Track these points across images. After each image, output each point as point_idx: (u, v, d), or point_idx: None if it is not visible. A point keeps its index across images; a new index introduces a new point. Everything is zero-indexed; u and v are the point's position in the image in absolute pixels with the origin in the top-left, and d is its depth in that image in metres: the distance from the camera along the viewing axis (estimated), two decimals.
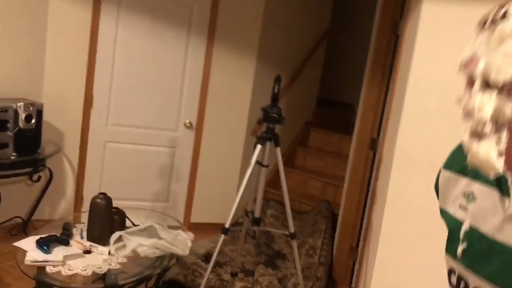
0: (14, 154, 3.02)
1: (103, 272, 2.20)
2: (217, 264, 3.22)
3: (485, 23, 0.68)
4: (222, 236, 2.23)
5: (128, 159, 3.91)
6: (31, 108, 3.08)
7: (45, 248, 2.22)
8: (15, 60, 3.35)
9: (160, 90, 3.87)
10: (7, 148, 2.95)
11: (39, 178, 3.39)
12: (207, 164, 4.11)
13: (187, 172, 4.08)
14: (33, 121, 3.10)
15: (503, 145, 0.64)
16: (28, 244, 2.27)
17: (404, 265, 1.99)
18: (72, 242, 2.38)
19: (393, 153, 2.04)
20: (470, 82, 0.69)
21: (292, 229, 2.32)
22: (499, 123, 0.64)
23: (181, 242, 2.54)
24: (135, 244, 2.40)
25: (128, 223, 2.64)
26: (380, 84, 3.22)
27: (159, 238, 2.49)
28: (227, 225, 2.25)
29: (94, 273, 2.18)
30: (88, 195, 3.41)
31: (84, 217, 2.59)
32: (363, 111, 3.33)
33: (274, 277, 3.12)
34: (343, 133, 5.15)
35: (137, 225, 2.60)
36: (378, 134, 3.19)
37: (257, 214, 2.40)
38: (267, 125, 2.31)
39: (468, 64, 0.70)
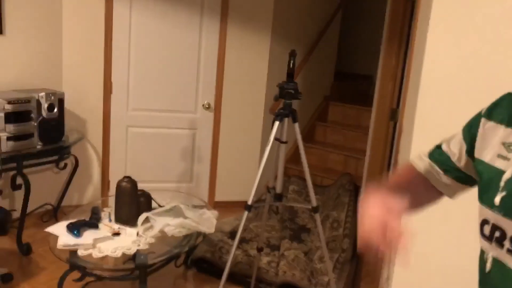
0: (39, 143, 3.10)
1: (132, 253, 2.27)
2: (243, 240, 3.28)
3: None
4: (246, 212, 2.26)
5: (151, 142, 3.98)
6: (52, 97, 3.14)
7: (75, 232, 2.29)
8: (33, 51, 3.41)
9: (177, 73, 3.89)
10: (32, 138, 3.03)
11: (65, 166, 3.48)
12: (228, 144, 4.14)
13: (208, 153, 4.13)
14: (55, 110, 3.17)
15: None
16: (59, 229, 2.36)
17: (428, 233, 1.99)
18: (101, 225, 2.46)
19: (413, 122, 2.02)
20: None
21: (314, 203, 2.34)
22: None
23: (207, 221, 2.60)
24: (162, 224, 2.46)
25: (154, 204, 2.70)
26: (398, 53, 3.16)
27: (185, 217, 2.55)
28: (249, 202, 2.28)
29: (124, 254, 2.25)
30: (114, 179, 3.50)
31: (112, 201, 2.66)
32: (381, 81, 3.29)
33: (299, 251, 3.17)
34: (362, 105, 5.11)
35: (163, 206, 2.66)
36: (398, 104, 3.16)
37: (278, 190, 2.42)
38: (284, 102, 2.30)
39: None
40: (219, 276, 2.36)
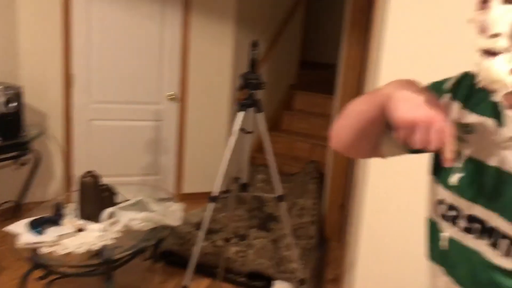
0: None
1: (97, 248, 2.24)
2: (211, 231, 3.28)
3: None
4: (211, 204, 2.27)
5: (115, 135, 3.91)
6: (10, 91, 3.04)
7: (37, 230, 2.24)
8: None
9: (139, 64, 3.83)
10: None
11: (25, 162, 3.38)
12: (194, 135, 4.12)
13: (175, 144, 4.10)
14: (13, 104, 3.06)
15: None
16: (21, 227, 2.29)
17: (392, 218, 2.04)
18: (64, 221, 2.41)
19: None
20: (484, 1, 0.68)
21: (279, 192, 2.37)
22: None
23: (173, 213, 2.59)
24: (127, 219, 2.43)
25: (119, 198, 2.66)
26: (360, 41, 3.21)
27: (151, 211, 2.53)
28: (215, 194, 2.29)
29: (89, 250, 2.22)
30: (78, 174, 3.42)
31: (76, 196, 2.61)
32: (344, 70, 3.33)
33: (267, 240, 3.20)
34: (327, 94, 5.16)
35: (128, 200, 2.63)
36: (361, 92, 3.21)
37: (243, 180, 2.44)
38: (248, 92, 2.31)
39: None
40: (187, 268, 2.37)
